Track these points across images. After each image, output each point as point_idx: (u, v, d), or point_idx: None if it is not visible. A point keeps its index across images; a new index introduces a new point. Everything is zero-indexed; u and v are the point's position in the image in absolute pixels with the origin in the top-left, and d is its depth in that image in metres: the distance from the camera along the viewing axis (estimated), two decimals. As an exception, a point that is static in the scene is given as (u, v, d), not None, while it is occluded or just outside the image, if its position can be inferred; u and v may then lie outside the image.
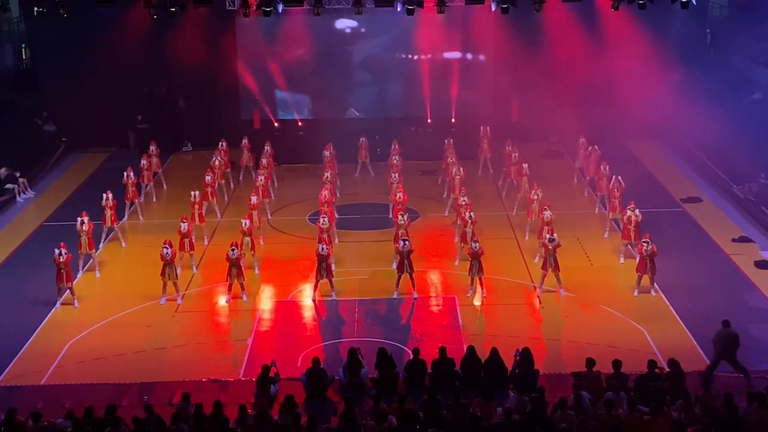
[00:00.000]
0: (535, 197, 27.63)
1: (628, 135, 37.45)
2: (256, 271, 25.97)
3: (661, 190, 32.71)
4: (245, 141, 34.31)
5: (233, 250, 23.84)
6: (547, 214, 26.01)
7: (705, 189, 32.72)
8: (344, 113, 39.14)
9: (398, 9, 31.65)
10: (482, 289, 24.03)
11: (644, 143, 37.59)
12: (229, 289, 24.05)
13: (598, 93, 36.19)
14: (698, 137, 34.86)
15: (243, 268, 24.31)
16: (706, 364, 19.44)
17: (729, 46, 37.70)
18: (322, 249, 23.92)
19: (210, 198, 29.85)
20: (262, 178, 30.17)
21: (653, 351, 20.73)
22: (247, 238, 25.67)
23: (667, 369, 18.15)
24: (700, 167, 34.52)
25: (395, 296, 24.16)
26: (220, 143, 33.76)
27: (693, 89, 33.54)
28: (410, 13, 30.78)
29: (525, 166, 30.41)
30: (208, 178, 30.01)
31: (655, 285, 23.96)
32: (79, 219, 25.72)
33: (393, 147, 33.11)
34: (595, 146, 32.03)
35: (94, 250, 26.16)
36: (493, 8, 30.45)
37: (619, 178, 28.05)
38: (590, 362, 18.07)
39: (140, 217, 30.69)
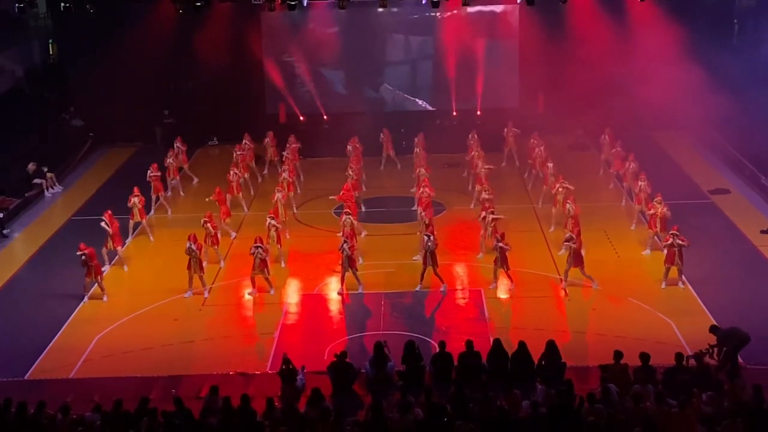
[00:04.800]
0: (561, 190, 27.51)
1: (655, 126, 37.23)
2: (283, 264, 26.04)
3: (689, 182, 32.49)
4: (270, 136, 34.38)
5: (257, 247, 23.87)
6: (570, 207, 25.94)
7: (733, 180, 32.47)
8: (370, 106, 39.13)
9: (423, 1, 31.66)
10: (509, 281, 23.96)
11: (671, 135, 37.33)
12: (253, 282, 24.13)
13: (625, 84, 35.95)
14: (726, 128, 34.61)
15: (269, 262, 24.36)
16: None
17: (757, 35, 37.35)
18: (343, 246, 23.91)
19: (235, 192, 29.92)
20: (286, 173, 30.23)
21: (681, 343, 20.60)
22: (273, 232, 25.72)
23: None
24: (728, 159, 34.27)
25: (418, 289, 24.14)
26: (243, 140, 33.84)
27: (721, 80, 33.29)
28: (435, 5, 30.78)
29: (549, 165, 30.16)
30: (232, 173, 30.14)
31: (683, 277, 23.81)
32: (102, 222, 25.86)
33: (417, 140, 33.20)
34: (618, 148, 31.69)
35: (120, 247, 26.33)
36: (518, 0, 30.37)
37: (643, 184, 27.78)
38: (618, 355, 18.01)
39: (168, 211, 30.85)
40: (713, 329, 19.26)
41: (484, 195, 27.37)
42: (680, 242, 23.41)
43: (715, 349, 18.92)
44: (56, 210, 32.00)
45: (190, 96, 39.34)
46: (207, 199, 28.49)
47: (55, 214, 31.48)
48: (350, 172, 30.14)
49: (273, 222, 25.75)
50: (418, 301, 23.96)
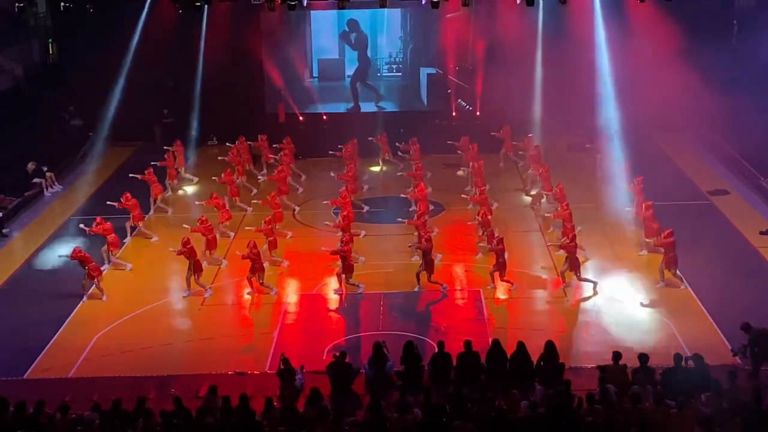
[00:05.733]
0: (554, 191, 27.80)
1: (654, 127, 37.21)
2: (285, 264, 26.04)
3: (688, 183, 32.50)
4: (262, 139, 34.41)
5: (250, 251, 23.98)
6: (549, 214, 26.36)
7: (732, 181, 32.46)
8: (370, 106, 39.25)
9: (423, 2, 31.66)
10: (509, 283, 23.98)
11: (671, 135, 37.30)
12: (250, 283, 24.16)
13: (625, 85, 35.97)
14: (725, 129, 34.61)
15: (264, 266, 24.39)
16: (732, 358, 19.43)
17: (756, 37, 37.37)
18: (338, 245, 24.24)
19: (232, 196, 30.00)
20: (264, 178, 30.47)
21: (680, 344, 20.62)
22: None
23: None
24: (728, 159, 34.27)
25: (417, 289, 24.18)
26: (237, 141, 33.89)
27: (720, 81, 33.31)
28: (435, 6, 30.78)
29: (542, 169, 30.30)
30: (223, 176, 30.33)
31: (683, 279, 23.81)
32: (89, 228, 26.08)
33: (411, 142, 33.34)
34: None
35: (118, 249, 26.45)
36: (518, 1, 30.39)
37: (633, 184, 28.03)
38: (616, 355, 18.02)
39: (168, 211, 30.86)
40: (745, 327, 19.09)
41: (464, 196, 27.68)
42: (659, 241, 23.62)
43: (747, 349, 18.89)
44: (55, 209, 31.96)
45: (190, 95, 39.27)
46: (197, 203, 28.59)
47: (54, 214, 31.44)
48: (332, 174, 30.17)
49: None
50: (417, 301, 23.99)
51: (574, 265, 23.75)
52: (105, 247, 25.96)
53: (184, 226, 26.74)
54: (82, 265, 23.87)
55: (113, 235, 26.21)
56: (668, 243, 23.59)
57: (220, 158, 33.16)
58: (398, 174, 32.57)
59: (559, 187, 27.93)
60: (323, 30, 40.09)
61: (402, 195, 30.52)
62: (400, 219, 27.35)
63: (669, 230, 23.90)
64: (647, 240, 25.87)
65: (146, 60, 37.02)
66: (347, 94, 39.79)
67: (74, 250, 24.02)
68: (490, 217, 26.60)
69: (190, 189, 32.91)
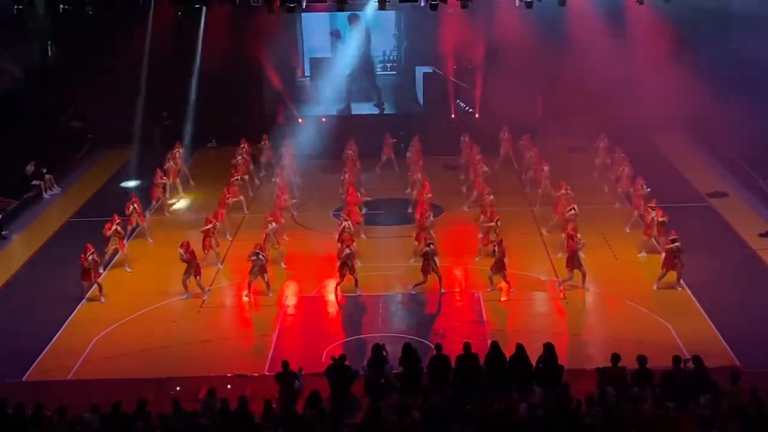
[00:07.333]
0: (564, 194, 27.69)
1: (653, 129, 37.22)
2: (282, 265, 26.03)
3: (687, 185, 32.51)
4: (265, 139, 34.42)
5: (257, 254, 23.83)
6: (572, 212, 26.07)
7: (731, 183, 32.48)
8: (368, 107, 39.24)
9: (422, 4, 31.64)
10: (507, 285, 23.97)
11: (670, 137, 37.32)
12: (249, 286, 24.13)
13: (623, 87, 35.98)
14: (724, 131, 34.61)
15: (267, 264, 24.35)
16: (731, 359, 19.40)
17: (756, 38, 37.38)
18: (347, 249, 24.04)
19: (236, 196, 30.06)
20: (276, 179, 30.58)
21: (679, 346, 20.64)
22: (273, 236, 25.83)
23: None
24: (727, 161, 34.28)
25: (414, 291, 24.19)
26: (241, 143, 33.85)
27: (719, 82, 33.31)
28: (434, 8, 30.78)
29: (545, 169, 30.29)
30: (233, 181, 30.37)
31: (681, 281, 23.83)
32: (114, 225, 26.00)
33: (413, 144, 33.28)
34: (616, 152, 31.93)
35: (123, 248, 26.44)
36: (517, 3, 30.40)
37: (643, 184, 27.99)
38: (615, 357, 18.01)
39: (166, 213, 30.85)
40: None
41: (491, 198, 27.52)
42: (678, 248, 23.46)
43: None
44: (54, 212, 31.95)
45: (189, 98, 39.28)
46: (227, 199, 28.37)
47: (53, 216, 31.44)
48: (345, 176, 30.21)
49: (273, 225, 25.79)
50: (416, 303, 23.99)
51: (579, 262, 23.78)
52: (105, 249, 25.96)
53: (202, 230, 26.21)
54: (96, 263, 23.85)
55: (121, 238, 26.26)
56: (672, 247, 23.57)
57: (233, 161, 32.86)
58: (397, 171, 32.43)
59: (564, 187, 27.90)
60: (314, 29, 40.11)
61: (407, 191, 30.42)
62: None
63: (673, 232, 23.91)
64: (655, 236, 25.79)
65: (146, 62, 37.02)
66: (341, 93, 39.73)
67: (89, 247, 23.94)
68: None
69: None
